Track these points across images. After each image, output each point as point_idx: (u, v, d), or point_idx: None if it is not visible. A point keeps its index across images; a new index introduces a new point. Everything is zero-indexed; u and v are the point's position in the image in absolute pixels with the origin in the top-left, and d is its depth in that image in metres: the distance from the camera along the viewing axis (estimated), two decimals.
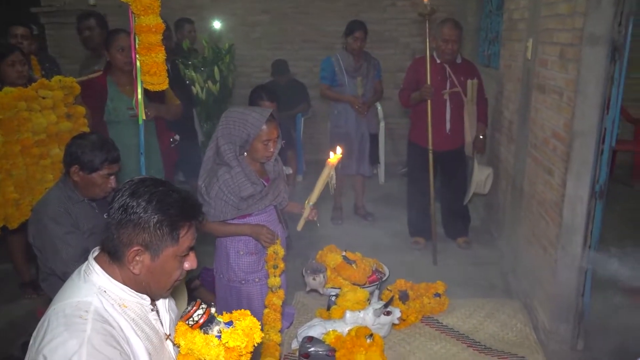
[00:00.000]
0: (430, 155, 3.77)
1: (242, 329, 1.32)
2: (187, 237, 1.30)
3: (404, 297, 3.00)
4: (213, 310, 1.36)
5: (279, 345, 2.54)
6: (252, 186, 2.58)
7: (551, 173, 2.70)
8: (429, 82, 3.69)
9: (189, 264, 1.34)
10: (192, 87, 4.60)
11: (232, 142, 2.55)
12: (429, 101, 3.71)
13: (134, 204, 1.24)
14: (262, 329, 1.39)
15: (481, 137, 3.96)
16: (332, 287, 3.16)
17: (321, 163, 2.82)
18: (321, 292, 3.17)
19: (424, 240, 4.25)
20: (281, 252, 2.68)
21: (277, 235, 2.68)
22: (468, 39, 5.75)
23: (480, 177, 3.95)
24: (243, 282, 2.80)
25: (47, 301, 2.31)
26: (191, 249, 1.34)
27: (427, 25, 3.66)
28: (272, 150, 2.59)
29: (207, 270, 3.40)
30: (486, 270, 3.81)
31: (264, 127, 2.50)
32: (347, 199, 5.15)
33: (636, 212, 4.57)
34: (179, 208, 1.28)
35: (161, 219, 1.25)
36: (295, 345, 2.73)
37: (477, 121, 3.95)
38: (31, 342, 1.24)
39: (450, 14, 5.69)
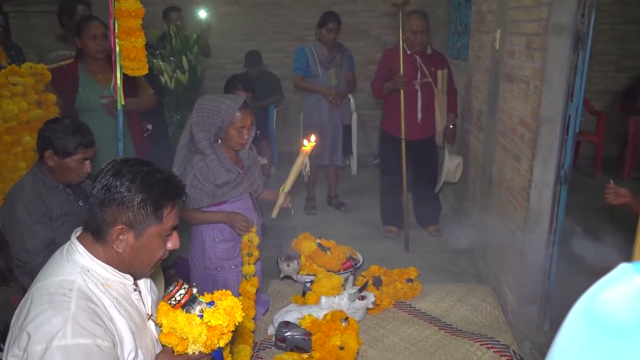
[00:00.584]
0: (403, 145, 3.83)
1: (224, 308, 1.34)
2: (170, 217, 1.31)
3: (377, 283, 3.07)
4: (195, 290, 1.37)
5: (253, 332, 2.57)
6: (227, 173, 2.59)
7: (519, 160, 2.79)
8: (401, 72, 3.75)
9: (172, 243, 1.35)
10: (161, 77, 4.55)
11: (206, 130, 2.55)
12: (401, 91, 3.77)
13: (118, 183, 1.25)
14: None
15: (451, 126, 4.04)
16: (307, 274, 3.21)
17: (294, 155, 2.84)
18: (295, 278, 3.21)
19: (397, 228, 4.32)
20: (256, 240, 2.70)
21: (252, 223, 2.70)
22: (437, 31, 5.84)
23: (451, 166, 4.04)
24: (219, 269, 2.80)
25: (20, 290, 2.29)
26: (174, 228, 1.35)
27: (400, 15, 3.72)
28: (246, 137, 2.60)
29: (182, 260, 3.39)
30: (457, 256, 3.90)
31: (238, 114, 2.51)
32: (321, 189, 5.19)
33: (600, 202, 4.73)
34: (163, 187, 1.29)
35: (145, 198, 1.25)
36: (271, 330, 2.77)
37: (448, 111, 4.03)
38: (13, 320, 1.23)
39: (421, 6, 5.76)
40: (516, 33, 2.89)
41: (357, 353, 2.50)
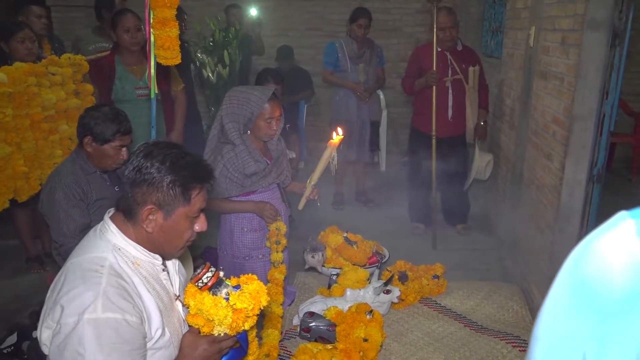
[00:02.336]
0: (434, 141, 3.81)
1: (250, 292, 1.37)
2: (198, 199, 1.35)
3: (403, 278, 3.07)
4: (221, 274, 1.41)
5: (281, 317, 2.61)
6: (255, 164, 2.63)
7: (550, 158, 2.75)
8: (434, 68, 3.73)
9: (200, 225, 1.39)
10: (203, 71, 4.63)
11: (235, 121, 2.60)
12: (433, 87, 3.75)
13: (148, 164, 1.29)
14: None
15: (482, 123, 4.00)
16: (333, 267, 3.23)
17: (323, 150, 2.87)
18: (319, 270, 3.24)
19: (424, 226, 4.30)
20: (283, 228, 2.74)
21: (279, 213, 2.74)
22: (471, 29, 5.78)
23: (481, 163, 3.99)
24: (247, 258, 2.85)
25: (57, 270, 2.38)
26: (202, 211, 1.39)
27: (434, 12, 3.70)
28: (274, 128, 2.64)
29: (210, 250, 3.46)
30: (484, 255, 3.86)
31: (267, 105, 2.55)
32: (349, 185, 5.20)
33: (635, 205, 4.61)
34: (192, 170, 1.33)
35: (174, 179, 1.29)
36: (296, 321, 2.80)
37: (479, 108, 3.99)
38: (48, 294, 1.29)
39: (454, 4, 5.72)
40: (551, 29, 2.85)
41: (381, 346, 2.50)
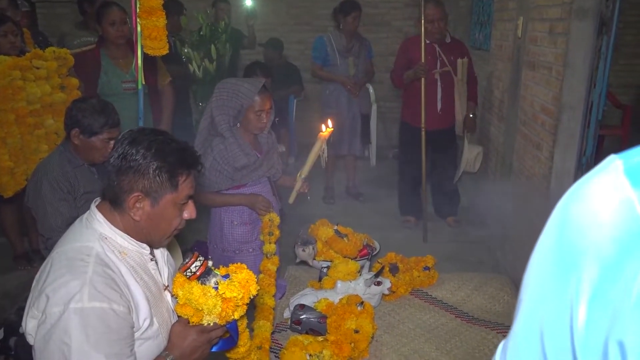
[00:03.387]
0: (423, 134, 3.81)
1: (239, 280, 1.35)
2: (185, 185, 1.33)
3: (394, 270, 3.06)
4: (210, 263, 1.39)
5: (273, 309, 2.59)
6: (245, 157, 2.62)
7: (539, 147, 2.76)
8: (423, 60, 3.72)
9: (188, 212, 1.37)
10: (189, 65, 4.59)
11: (225, 113, 2.58)
12: (422, 80, 3.74)
13: (133, 151, 1.27)
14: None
15: (471, 115, 4.01)
16: (323, 260, 3.21)
17: (313, 145, 2.86)
18: (310, 263, 3.22)
19: (415, 219, 4.31)
20: (276, 219, 2.73)
21: (271, 205, 2.73)
22: (460, 22, 5.78)
23: (470, 155, 4.00)
24: (237, 252, 2.83)
25: None
26: (190, 197, 1.37)
27: (422, 4, 3.69)
28: (264, 121, 2.62)
29: (200, 244, 3.43)
30: (475, 247, 3.87)
31: (257, 97, 2.53)
32: (339, 179, 5.19)
33: None
34: (178, 156, 1.31)
35: (160, 166, 1.27)
36: (287, 314, 2.78)
37: (468, 100, 3.99)
38: (34, 284, 1.27)
39: None
40: (539, 19, 2.85)
41: (372, 338, 2.50)
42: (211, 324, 1.35)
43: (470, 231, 4.18)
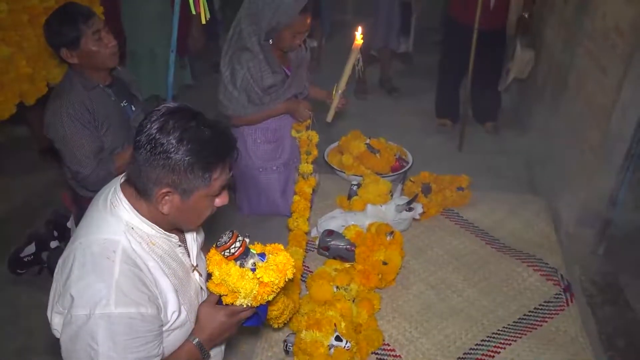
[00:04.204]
0: (475, 35, 3.43)
1: (276, 264, 1.29)
2: (220, 179, 1.20)
3: (426, 191, 2.95)
4: (248, 241, 1.31)
5: (306, 234, 2.56)
6: (273, 75, 2.40)
7: (605, 72, 2.45)
8: None
9: (221, 200, 1.27)
10: None
11: (256, 24, 2.31)
12: None
13: (164, 141, 1.12)
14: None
15: (527, 16, 3.58)
16: (353, 175, 3.11)
17: (347, 24, 2.60)
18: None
19: (451, 123, 4.09)
20: (315, 137, 2.61)
21: (311, 115, 2.59)
22: None
23: (522, 60, 3.65)
24: (261, 169, 2.75)
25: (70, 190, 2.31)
26: (223, 187, 1.24)
27: None
28: (299, 42, 2.36)
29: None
30: (512, 160, 3.70)
31: (298, 16, 2.24)
32: (373, 72, 4.88)
33: None
34: (213, 148, 1.16)
35: (193, 162, 1.13)
36: (314, 233, 2.75)
37: None
38: (57, 271, 1.21)
39: None
40: None
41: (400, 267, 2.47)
42: (244, 306, 1.30)
43: (510, 140, 3.97)
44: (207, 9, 2.25)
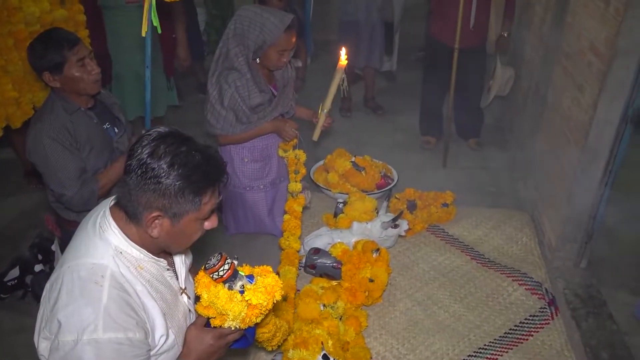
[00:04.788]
0: (456, 55, 3.50)
1: (265, 286, 1.29)
2: (210, 202, 1.22)
3: (411, 207, 2.98)
4: (236, 263, 1.32)
5: (298, 252, 2.56)
6: (261, 94, 2.43)
7: (582, 90, 2.51)
8: None
9: (210, 223, 1.27)
10: None
11: (244, 45, 2.34)
12: None
13: (155, 166, 1.13)
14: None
15: (506, 35, 3.66)
16: (339, 192, 3.13)
17: (330, 44, 2.65)
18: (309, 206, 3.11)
19: (435, 140, 4.14)
20: (303, 156, 2.63)
21: (297, 134, 2.61)
22: None
23: (503, 78, 3.73)
24: (247, 188, 2.76)
25: (54, 214, 2.30)
26: (213, 211, 1.25)
27: None
28: (285, 60, 2.40)
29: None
30: (496, 175, 3.75)
31: (282, 35, 2.28)
32: (357, 90, 4.94)
33: None
34: (203, 173, 1.17)
35: (183, 186, 1.15)
36: (301, 252, 2.76)
37: (504, 17, 3.63)
38: (44, 296, 1.20)
39: None
40: None
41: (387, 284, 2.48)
42: (232, 328, 1.30)
43: (493, 155, 4.03)
44: (157, 23, 2.25)
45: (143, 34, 2.24)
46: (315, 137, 2.69)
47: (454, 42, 3.48)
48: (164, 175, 1.13)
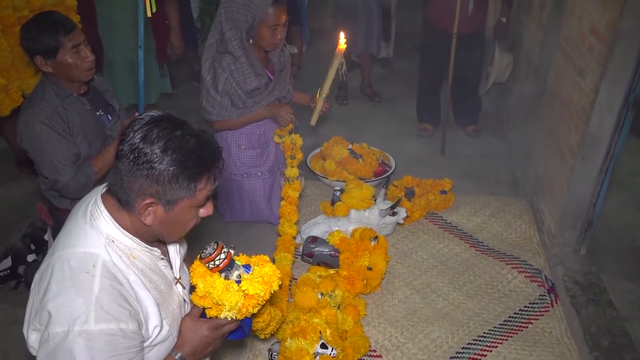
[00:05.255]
0: (454, 41, 3.44)
1: (262, 276, 1.26)
2: (205, 189, 1.17)
3: (409, 195, 2.95)
4: (233, 252, 1.28)
5: (294, 238, 2.52)
6: (257, 78, 2.38)
7: (583, 75, 2.48)
8: None
9: (205, 211, 1.23)
10: None
11: (236, 27, 2.30)
12: None
13: (148, 150, 1.08)
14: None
15: (504, 20, 3.61)
16: (337, 180, 3.10)
17: (326, 31, 2.60)
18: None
19: (432, 127, 4.10)
20: (299, 141, 2.58)
21: (293, 119, 2.57)
22: None
23: (501, 64, 3.68)
24: (245, 175, 2.71)
25: (47, 202, 2.26)
26: (208, 198, 1.21)
27: None
28: (279, 37, 2.35)
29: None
30: (494, 162, 3.72)
31: (270, 9, 2.25)
32: (354, 77, 4.88)
33: None
34: (198, 158, 1.12)
35: (177, 172, 1.10)
36: (298, 240, 2.73)
37: (502, 2, 3.57)
38: (34, 285, 1.16)
39: None
40: None
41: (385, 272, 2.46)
42: (228, 319, 1.26)
43: (491, 143, 3.99)
44: (153, 2, 2.21)
45: (149, 15, 2.19)
46: (313, 121, 2.64)
47: (452, 27, 3.43)
48: (157, 161, 1.08)
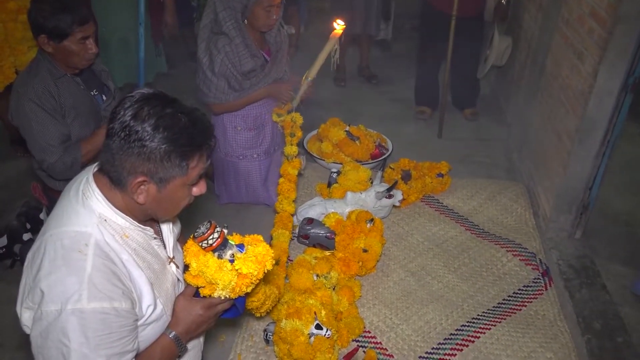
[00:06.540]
0: (453, 23, 3.41)
1: (255, 255, 1.26)
2: (197, 167, 1.16)
3: (406, 177, 2.94)
4: (226, 232, 1.28)
5: (292, 215, 2.52)
6: (252, 59, 2.36)
7: (581, 58, 2.46)
8: None
9: (198, 189, 1.22)
10: None
11: (230, 7, 2.27)
12: None
13: (139, 128, 1.07)
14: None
15: (504, 2, 3.58)
16: (333, 162, 3.09)
17: (324, 12, 2.56)
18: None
19: (430, 110, 4.08)
20: (299, 119, 2.57)
21: (294, 97, 2.55)
22: None
23: (500, 47, 3.65)
24: (241, 157, 2.70)
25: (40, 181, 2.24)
26: (201, 176, 1.20)
27: None
28: (274, 17, 2.32)
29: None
30: (491, 146, 3.71)
31: None
32: (351, 57, 4.84)
33: None
34: (189, 136, 1.11)
35: (169, 150, 1.09)
36: (295, 221, 2.73)
37: None
38: (27, 265, 1.15)
39: None
40: None
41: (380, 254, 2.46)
42: (222, 298, 1.26)
43: (488, 126, 3.98)
44: None
45: None
46: (295, 103, 2.62)
47: (451, 9, 3.39)
48: (149, 138, 1.07)
